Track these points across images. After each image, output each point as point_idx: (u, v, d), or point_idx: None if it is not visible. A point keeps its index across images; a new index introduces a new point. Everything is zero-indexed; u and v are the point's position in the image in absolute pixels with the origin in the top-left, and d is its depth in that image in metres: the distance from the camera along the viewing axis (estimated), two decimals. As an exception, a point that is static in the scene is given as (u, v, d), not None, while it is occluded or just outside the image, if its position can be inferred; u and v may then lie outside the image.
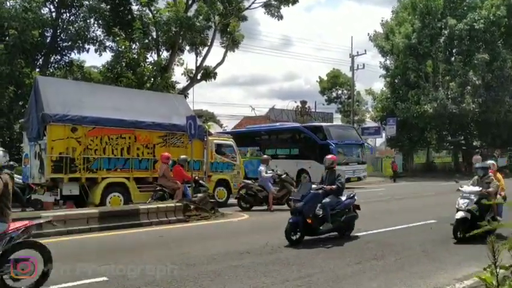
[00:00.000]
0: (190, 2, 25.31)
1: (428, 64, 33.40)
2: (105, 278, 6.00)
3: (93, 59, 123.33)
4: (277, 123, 31.34)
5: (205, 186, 13.52)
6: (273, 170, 14.39)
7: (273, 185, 13.94)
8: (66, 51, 22.99)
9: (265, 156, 15.19)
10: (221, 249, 7.88)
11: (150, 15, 24.28)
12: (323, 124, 27.64)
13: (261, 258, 7.26)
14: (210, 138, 15.37)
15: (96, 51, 23.10)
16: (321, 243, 8.46)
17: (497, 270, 3.76)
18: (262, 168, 13.91)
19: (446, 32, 33.48)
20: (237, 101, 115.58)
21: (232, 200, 15.26)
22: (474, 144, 41.97)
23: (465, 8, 34.46)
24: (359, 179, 24.71)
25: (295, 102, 43.99)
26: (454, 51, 35.92)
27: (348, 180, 23.22)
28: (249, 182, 14.68)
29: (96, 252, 7.73)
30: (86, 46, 22.88)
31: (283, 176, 13.95)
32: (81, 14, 22.50)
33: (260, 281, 5.97)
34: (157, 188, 12.53)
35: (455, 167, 40.06)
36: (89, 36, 22.67)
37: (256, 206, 13.69)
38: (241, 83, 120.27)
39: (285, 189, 13.75)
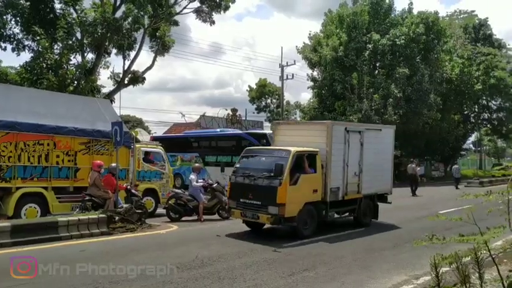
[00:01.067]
0: (118, 3, 24.32)
1: (354, 76, 34.69)
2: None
3: (11, 58, 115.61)
4: (218, 129, 30.69)
5: (137, 195, 12.87)
6: (203, 179, 14.05)
7: (204, 194, 13.59)
8: (-22, 49, 21.12)
9: (196, 164, 14.80)
10: (148, 263, 7.41)
11: (75, 15, 23.00)
12: (267, 131, 26.72)
13: (191, 272, 6.94)
14: (137, 145, 14.72)
15: (13, 50, 21.44)
16: (252, 254, 8.28)
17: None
18: (193, 177, 13.52)
19: (370, 46, 34.99)
20: (167, 107, 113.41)
21: (160, 210, 14.68)
22: (395, 153, 44.13)
23: (388, 24, 36.23)
24: None
25: (226, 109, 43.86)
26: (377, 64, 37.58)
27: None
28: (179, 191, 14.19)
29: (7, 271, 6.96)
30: (2, 44, 21.19)
31: (214, 185, 13.67)
32: (-3, 10, 20.79)
33: (190, 298, 5.66)
34: (86, 198, 11.71)
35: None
36: (5, 33, 20.97)
37: (186, 217, 13.24)
38: (171, 89, 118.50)
39: (216, 198, 13.47)
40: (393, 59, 34.80)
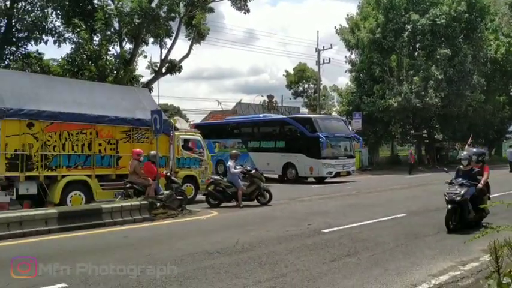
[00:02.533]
0: (154, -8, 24.55)
1: (392, 59, 33.81)
2: (64, 285, 5.56)
3: (52, 51, 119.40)
4: (261, 115, 30.56)
5: (177, 182, 13.08)
6: (242, 166, 14.08)
7: (243, 180, 13.63)
8: (22, 42, 21.81)
9: (234, 151, 14.84)
10: (189, 249, 7.52)
11: (112, 6, 23.39)
12: (312, 116, 26.79)
13: (231, 257, 6.95)
14: (176, 133, 14.90)
15: (54, 42, 22.03)
16: (293, 240, 8.25)
17: (502, 278, 3.53)
18: (231, 163, 13.57)
19: (409, 27, 33.90)
20: (203, 95, 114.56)
21: (200, 197, 14.87)
22: (436, 137, 42.98)
23: (427, 4, 34.93)
24: (348, 173, 23.79)
25: (262, 96, 43.89)
26: (417, 46, 36.45)
27: (338, 174, 23.06)
28: (218, 177, 14.30)
29: (55, 256, 7.20)
30: (44, 37, 21.77)
31: (252, 172, 13.68)
32: (38, 3, 21.35)
33: (231, 282, 5.68)
34: (128, 185, 11.99)
35: (418, 160, 40.92)
36: (46, 27, 21.54)
37: (225, 203, 13.35)
38: (207, 77, 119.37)
39: (254, 185, 13.48)
40: (434, 39, 33.64)
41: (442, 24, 32.80)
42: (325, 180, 23.45)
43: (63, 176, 11.98)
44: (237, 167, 13.68)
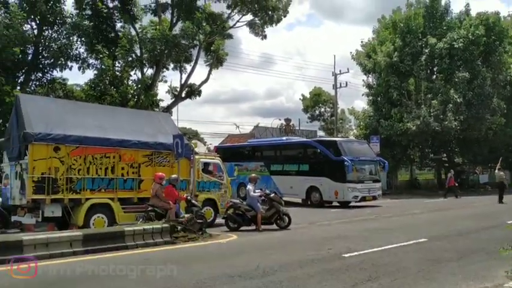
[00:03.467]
0: (174, 20, 25.29)
1: (410, 82, 33.82)
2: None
3: (75, 76, 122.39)
4: (284, 138, 30.48)
5: (197, 206, 13.23)
6: (261, 189, 14.18)
7: (262, 204, 13.70)
8: (48, 68, 22.61)
9: (253, 175, 14.97)
10: (211, 272, 7.59)
11: (134, 33, 24.14)
12: (337, 139, 26.33)
13: (253, 281, 7.01)
14: (196, 156, 15.14)
15: (79, 68, 22.82)
16: (314, 264, 8.27)
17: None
18: (250, 187, 13.68)
19: (427, 50, 34.00)
20: (219, 119, 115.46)
21: (219, 220, 14.97)
22: (456, 161, 42.46)
23: (445, 28, 35.08)
24: (374, 198, 23.19)
25: (280, 119, 44.14)
26: (435, 69, 36.45)
27: (364, 199, 22.54)
28: (237, 201, 14.40)
29: (81, 278, 7.38)
30: (69, 63, 22.57)
31: (271, 195, 13.75)
32: (64, 31, 22.23)
33: (255, 306, 5.74)
34: (149, 209, 12.19)
35: (438, 184, 40.40)
36: (71, 53, 22.37)
37: (244, 226, 13.42)
38: (223, 101, 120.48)
39: (273, 208, 13.54)
40: (451, 62, 33.61)
41: (460, 48, 32.82)
42: (364, 205, 22.89)
43: (87, 199, 12.24)
44: (256, 191, 13.78)
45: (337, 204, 23.28)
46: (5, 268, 7.92)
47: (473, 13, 36.29)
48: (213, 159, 16.60)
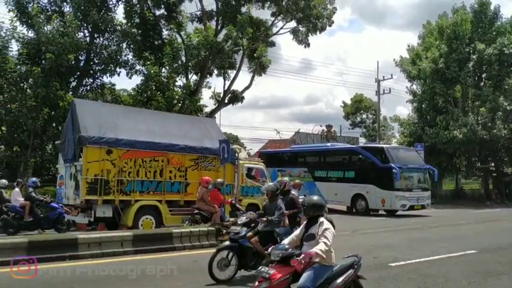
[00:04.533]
0: (219, 27, 25.78)
1: (457, 89, 32.96)
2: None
3: (121, 81, 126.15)
4: (328, 144, 30.06)
5: (242, 210, 13.43)
6: (305, 195, 14.14)
7: None
8: (98, 74, 23.48)
9: (297, 181, 14.93)
10: (253, 275, 7.71)
11: (180, 40, 24.76)
12: (384, 146, 25.76)
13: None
14: (240, 161, 15.36)
15: (127, 74, 23.54)
16: (360, 273, 8.23)
17: None
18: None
19: (474, 56, 33.05)
20: (258, 124, 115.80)
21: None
22: (505, 171, 40.87)
23: (494, 33, 34.00)
24: (423, 207, 22.51)
25: (321, 126, 43.97)
26: (483, 76, 35.37)
27: (412, 207, 21.89)
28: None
29: (133, 277, 7.69)
30: (118, 70, 23.32)
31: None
32: (114, 39, 23.06)
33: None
34: (195, 212, 12.50)
35: (485, 194, 39.01)
36: (120, 60, 23.13)
37: None
38: (263, 106, 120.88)
39: None
40: (501, 69, 32.52)
41: (510, 54, 31.71)
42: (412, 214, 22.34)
43: (136, 201, 12.70)
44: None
45: (384, 212, 22.81)
46: (63, 265, 8.40)
47: (525, 17, 35.00)
48: (257, 164, 16.79)
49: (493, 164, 39.85)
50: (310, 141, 39.50)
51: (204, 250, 10.62)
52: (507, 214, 24.14)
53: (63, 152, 13.72)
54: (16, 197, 13.04)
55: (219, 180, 13.06)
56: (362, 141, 48.73)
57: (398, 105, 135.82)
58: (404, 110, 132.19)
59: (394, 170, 20.99)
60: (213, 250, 10.62)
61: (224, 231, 11.61)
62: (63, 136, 13.95)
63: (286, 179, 11.14)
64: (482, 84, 34.92)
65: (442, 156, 35.21)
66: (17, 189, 13.40)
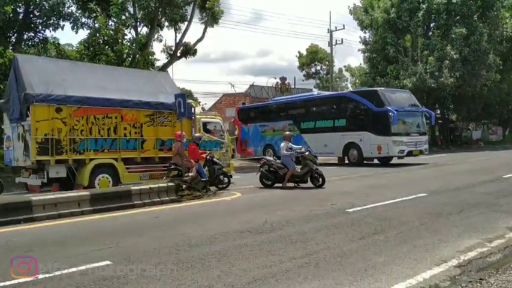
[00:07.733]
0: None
1: (407, 39, 33.58)
2: (108, 262, 5.87)
3: (67, 37, 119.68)
4: (315, 92, 29.31)
5: (219, 164, 13.35)
6: (291, 149, 13.89)
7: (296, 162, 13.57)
8: (39, 28, 22.09)
9: (287, 132, 14.66)
10: (221, 228, 7.80)
11: (127, -10, 23.48)
12: (377, 88, 23.93)
13: (262, 236, 7.22)
14: (197, 116, 15.16)
15: (72, 28, 22.27)
16: (320, 219, 8.50)
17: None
18: (282, 145, 13.59)
19: (424, 6, 33.62)
20: (210, 78, 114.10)
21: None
22: (450, 117, 42.82)
23: (443, -18, 34.55)
24: (421, 152, 21.45)
25: (275, 78, 43.89)
26: (432, 25, 36.15)
27: (410, 153, 20.85)
28: (270, 158, 14.25)
29: (94, 236, 7.57)
30: (61, 23, 22.03)
31: (306, 154, 13.44)
32: (55, -11, 21.57)
33: (267, 259, 5.92)
34: (172, 167, 12.36)
35: (431, 141, 40.88)
36: (63, 12, 21.80)
37: (278, 183, 13.40)
38: (214, 60, 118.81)
39: (307, 167, 13.26)
40: (449, 18, 33.30)
41: (458, 3, 32.52)
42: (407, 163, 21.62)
43: (90, 160, 12.36)
44: (288, 149, 13.50)
45: (378, 162, 22.30)
46: (18, 228, 8.14)
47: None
48: (214, 118, 16.66)
49: (439, 112, 41.54)
50: (265, 94, 39.49)
51: (164, 206, 10.61)
52: (452, 159, 25.45)
53: (8, 111, 12.99)
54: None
55: (197, 134, 13.05)
56: (315, 92, 49.22)
57: (350, 56, 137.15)
58: (356, 60, 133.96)
59: (390, 114, 19.72)
60: (174, 205, 10.69)
61: (184, 186, 11.62)
62: (7, 95, 13.16)
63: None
64: (431, 33, 35.72)
65: (392, 105, 36.21)
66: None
